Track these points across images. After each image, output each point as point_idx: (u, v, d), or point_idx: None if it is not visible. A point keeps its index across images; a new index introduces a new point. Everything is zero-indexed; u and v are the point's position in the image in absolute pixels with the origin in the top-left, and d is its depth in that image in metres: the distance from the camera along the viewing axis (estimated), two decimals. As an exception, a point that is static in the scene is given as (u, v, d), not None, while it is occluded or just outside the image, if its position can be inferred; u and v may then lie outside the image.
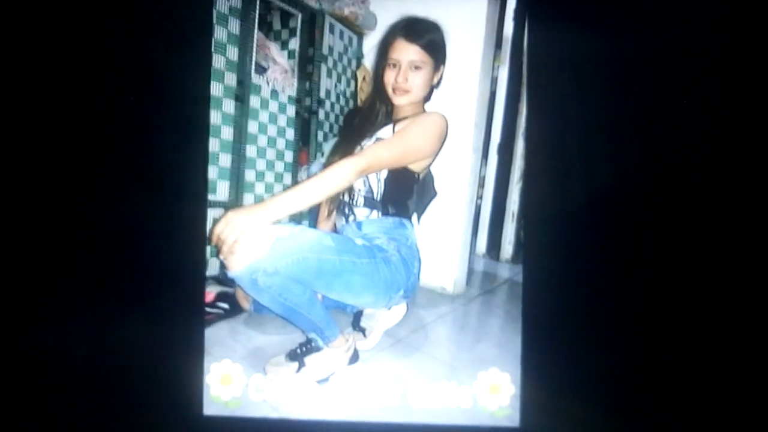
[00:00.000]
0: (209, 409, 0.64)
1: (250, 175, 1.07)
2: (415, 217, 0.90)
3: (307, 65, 1.19)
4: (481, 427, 0.65)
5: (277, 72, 1.11)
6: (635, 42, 0.62)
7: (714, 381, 0.61)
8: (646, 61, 0.62)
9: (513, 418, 0.64)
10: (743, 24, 0.61)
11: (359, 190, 0.85)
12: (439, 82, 0.88)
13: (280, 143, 1.15)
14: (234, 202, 1.03)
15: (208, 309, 0.81)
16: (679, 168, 0.62)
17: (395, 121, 0.87)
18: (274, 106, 1.12)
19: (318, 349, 0.77)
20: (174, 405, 0.63)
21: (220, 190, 0.99)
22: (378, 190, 0.85)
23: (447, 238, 1.15)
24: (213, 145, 0.96)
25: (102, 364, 0.63)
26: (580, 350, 0.62)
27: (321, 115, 1.24)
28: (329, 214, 0.93)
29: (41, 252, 0.62)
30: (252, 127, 1.06)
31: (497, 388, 0.65)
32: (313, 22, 1.19)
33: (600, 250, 0.63)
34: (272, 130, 1.12)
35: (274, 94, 1.11)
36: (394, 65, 0.84)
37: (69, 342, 0.63)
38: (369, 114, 0.91)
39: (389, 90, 0.85)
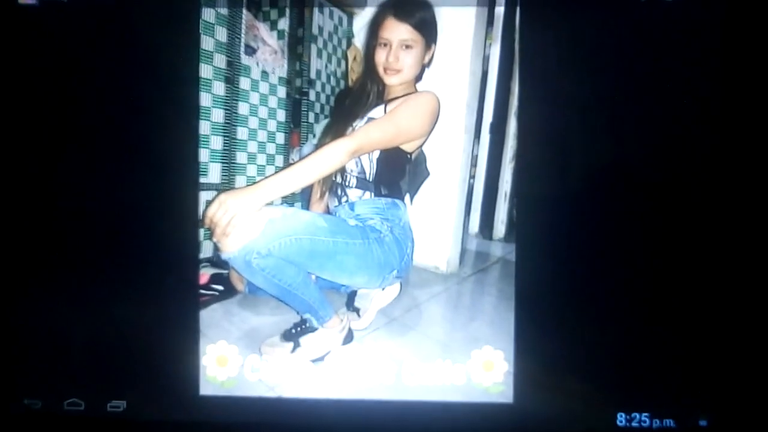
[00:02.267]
0: (205, 389, 0.65)
1: (241, 157, 1.06)
2: (407, 197, 0.90)
3: (297, 46, 1.17)
4: (475, 404, 0.66)
5: (267, 53, 1.10)
6: (631, 19, 0.62)
7: (709, 356, 0.62)
8: (642, 38, 0.62)
9: (507, 395, 0.65)
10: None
11: (351, 171, 0.85)
12: (430, 61, 0.87)
13: (271, 125, 1.14)
14: (226, 185, 1.02)
15: (202, 291, 0.81)
16: (672, 147, 0.63)
17: (387, 101, 0.86)
18: (264, 87, 1.11)
19: (313, 329, 0.78)
20: (170, 386, 0.64)
21: (212, 173, 0.98)
22: (370, 170, 0.85)
23: (440, 218, 1.15)
24: (204, 127, 0.95)
25: (98, 347, 0.63)
26: (573, 327, 0.63)
27: (312, 95, 1.22)
28: (321, 196, 0.92)
29: (32, 237, 0.62)
30: (242, 108, 1.05)
31: (491, 365, 0.66)
32: (302, 2, 1.17)
33: (592, 229, 0.63)
34: (263, 112, 1.11)
35: (264, 75, 1.10)
36: (385, 45, 0.83)
37: (64, 325, 0.63)
38: (360, 94, 0.90)
39: (380, 70, 0.84)
